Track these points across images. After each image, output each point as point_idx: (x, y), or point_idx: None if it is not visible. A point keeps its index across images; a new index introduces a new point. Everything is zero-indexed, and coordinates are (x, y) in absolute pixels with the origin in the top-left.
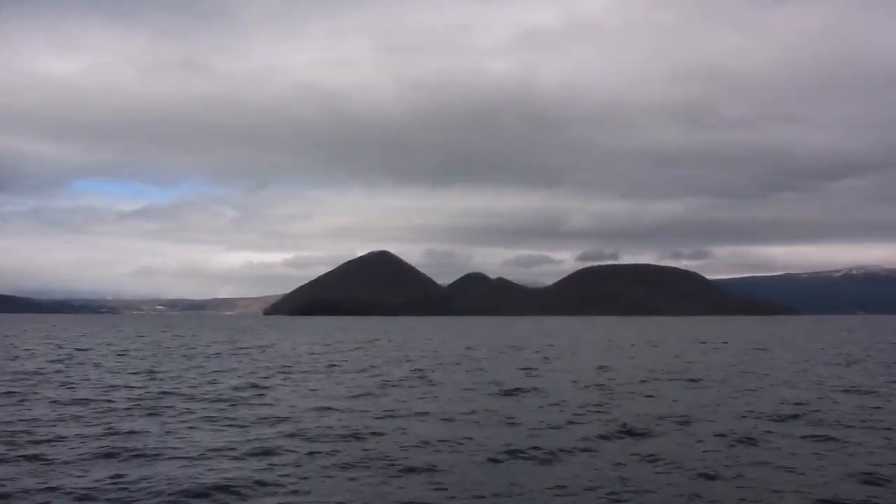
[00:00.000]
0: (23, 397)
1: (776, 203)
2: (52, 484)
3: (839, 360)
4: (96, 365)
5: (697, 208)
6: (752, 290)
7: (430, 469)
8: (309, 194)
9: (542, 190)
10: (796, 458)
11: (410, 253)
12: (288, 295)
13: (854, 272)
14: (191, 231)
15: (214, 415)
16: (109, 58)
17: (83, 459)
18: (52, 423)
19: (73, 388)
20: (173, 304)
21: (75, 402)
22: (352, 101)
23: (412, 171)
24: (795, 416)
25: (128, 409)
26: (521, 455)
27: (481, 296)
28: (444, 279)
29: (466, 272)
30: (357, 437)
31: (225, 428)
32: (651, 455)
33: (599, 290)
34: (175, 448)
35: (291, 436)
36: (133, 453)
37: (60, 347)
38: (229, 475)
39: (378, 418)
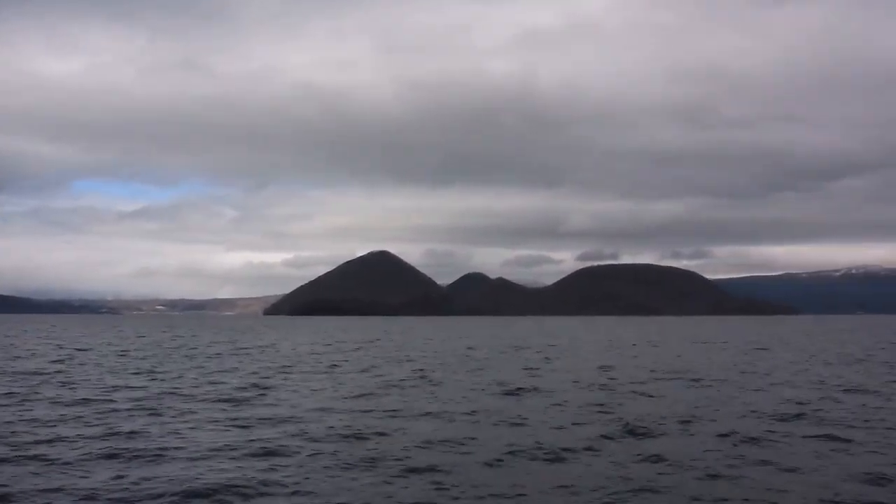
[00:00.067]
0: (24, 397)
1: (776, 203)
2: (54, 485)
3: (840, 359)
4: (97, 365)
5: (697, 208)
6: (751, 289)
7: (433, 469)
8: (309, 194)
9: (542, 190)
10: (800, 458)
11: (410, 253)
12: (288, 295)
13: (854, 272)
14: (191, 231)
15: (216, 415)
16: (109, 58)
17: (85, 460)
18: (54, 424)
19: (73, 388)
20: (173, 305)
21: (76, 402)
22: (352, 101)
23: (412, 171)
24: (798, 416)
25: (129, 409)
26: (524, 455)
27: (481, 296)
28: (444, 279)
29: (466, 272)
30: (359, 437)
31: (226, 428)
32: (655, 455)
33: (599, 290)
34: (177, 448)
35: (293, 436)
36: (134, 454)
37: (61, 347)
38: (231, 476)
39: (380, 418)
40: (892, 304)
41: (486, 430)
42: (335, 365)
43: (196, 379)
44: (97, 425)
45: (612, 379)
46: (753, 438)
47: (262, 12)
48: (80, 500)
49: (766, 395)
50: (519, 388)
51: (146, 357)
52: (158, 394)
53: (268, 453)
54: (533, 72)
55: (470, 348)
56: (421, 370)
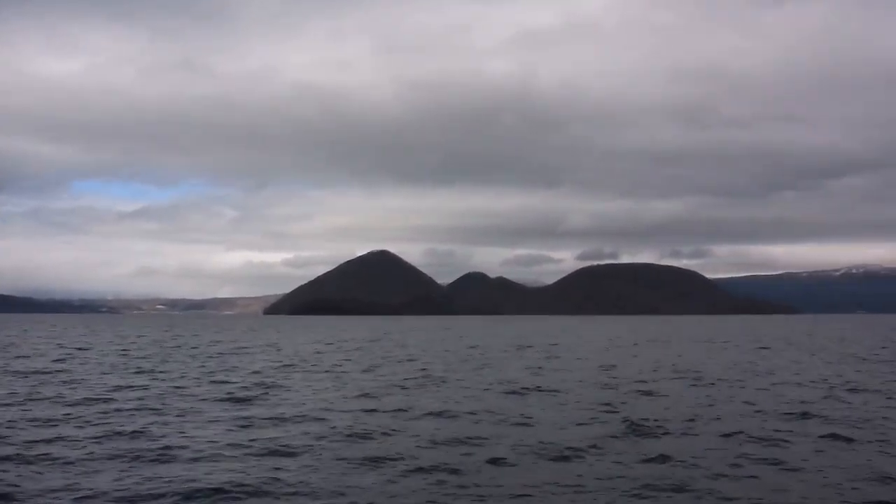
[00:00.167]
0: (26, 397)
1: (776, 202)
2: (57, 484)
3: (842, 359)
4: (98, 364)
5: (697, 207)
6: (751, 289)
7: (438, 469)
8: (309, 194)
9: (542, 190)
10: (806, 457)
11: (410, 253)
12: (288, 295)
13: (854, 271)
14: (190, 231)
15: (219, 415)
16: (109, 58)
17: (87, 459)
18: (56, 423)
19: (75, 387)
20: (173, 304)
21: (78, 402)
22: (351, 101)
23: (412, 171)
24: (803, 415)
25: (131, 409)
26: (529, 455)
27: (481, 295)
28: (444, 279)
29: (466, 272)
30: (364, 436)
31: (230, 428)
32: (660, 454)
33: (599, 290)
34: (180, 448)
35: (297, 436)
36: (136, 453)
37: (62, 347)
38: (234, 475)
39: (385, 418)
40: (892, 303)
41: (491, 430)
42: (337, 364)
43: (198, 378)
44: (99, 424)
45: (614, 378)
46: (758, 438)
47: (261, 12)
48: (83, 499)
49: (769, 395)
50: (524, 388)
51: (147, 356)
52: (160, 393)
53: (271, 453)
54: (532, 72)
55: (472, 347)
56: (424, 370)
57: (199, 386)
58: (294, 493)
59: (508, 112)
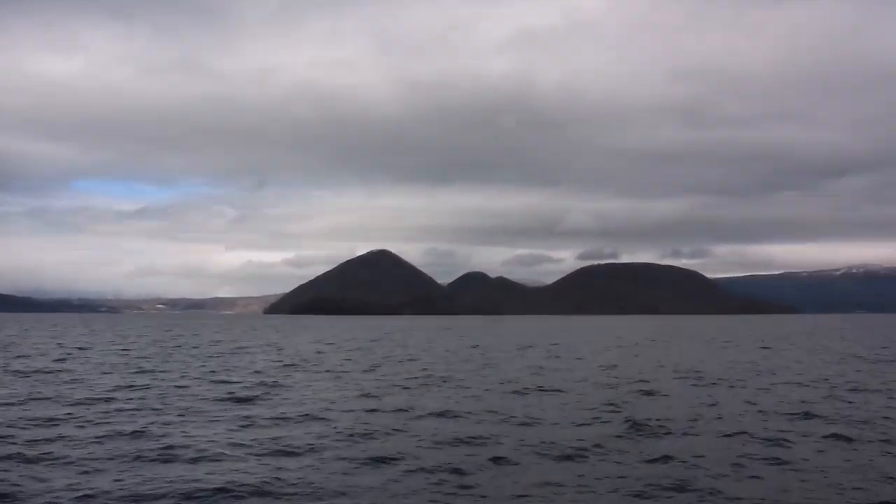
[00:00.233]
0: (26, 397)
1: (776, 202)
2: (58, 484)
3: (843, 358)
4: (99, 364)
5: (697, 207)
6: (751, 288)
7: (441, 468)
8: (309, 194)
9: (542, 189)
10: (808, 457)
11: (410, 252)
12: (288, 294)
13: (854, 271)
14: (190, 231)
15: (220, 414)
16: (108, 57)
17: (88, 459)
18: (56, 423)
19: (75, 387)
20: (173, 304)
21: (79, 401)
22: (351, 100)
23: (412, 170)
24: (805, 415)
25: (132, 408)
26: (531, 454)
27: (481, 295)
28: (444, 278)
29: (466, 271)
30: (365, 436)
31: (230, 428)
32: (663, 454)
33: (599, 289)
34: (180, 448)
35: (299, 435)
36: (138, 453)
37: (62, 347)
38: (236, 475)
39: (386, 418)
40: (893, 303)
41: (493, 430)
42: (339, 364)
43: (199, 378)
44: (101, 424)
45: (617, 378)
46: (760, 438)
47: (261, 12)
48: (85, 499)
49: (771, 395)
50: (526, 388)
51: (148, 356)
52: (161, 393)
53: (273, 453)
54: (532, 71)
55: (474, 347)
56: (425, 369)
57: (200, 385)
58: (296, 493)
59: (508, 112)
